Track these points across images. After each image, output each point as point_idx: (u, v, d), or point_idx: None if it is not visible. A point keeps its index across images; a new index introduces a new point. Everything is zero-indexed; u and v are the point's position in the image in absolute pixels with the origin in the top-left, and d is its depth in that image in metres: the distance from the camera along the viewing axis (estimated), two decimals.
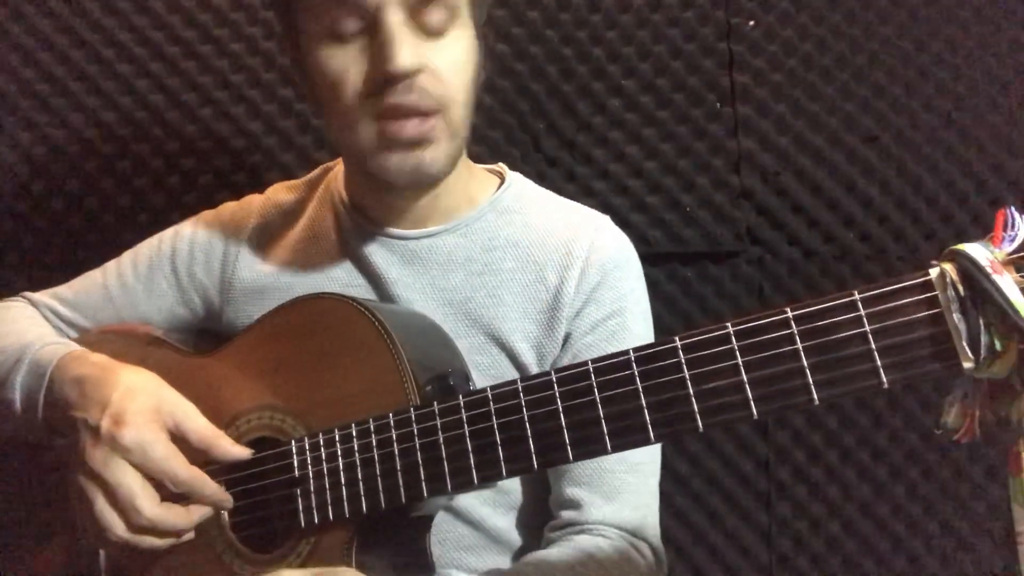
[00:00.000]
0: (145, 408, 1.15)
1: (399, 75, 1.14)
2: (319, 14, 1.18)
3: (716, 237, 1.86)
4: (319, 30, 1.19)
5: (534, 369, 1.35)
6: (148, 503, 1.12)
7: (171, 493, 1.15)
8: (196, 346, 1.36)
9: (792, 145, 1.85)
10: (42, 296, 1.50)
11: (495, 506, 1.36)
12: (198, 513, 1.16)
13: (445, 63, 1.20)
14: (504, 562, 1.38)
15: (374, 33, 1.16)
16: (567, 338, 1.35)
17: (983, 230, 1.76)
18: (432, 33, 1.18)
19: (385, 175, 1.23)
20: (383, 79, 1.16)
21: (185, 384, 1.21)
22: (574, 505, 1.32)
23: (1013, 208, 0.78)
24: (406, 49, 1.14)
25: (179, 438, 1.16)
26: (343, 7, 1.16)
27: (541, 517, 1.38)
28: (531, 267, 1.36)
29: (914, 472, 1.84)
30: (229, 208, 1.52)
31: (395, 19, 1.14)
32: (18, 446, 1.35)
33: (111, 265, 1.51)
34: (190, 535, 1.17)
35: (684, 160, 1.87)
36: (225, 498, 1.17)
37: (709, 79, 1.88)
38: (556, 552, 1.27)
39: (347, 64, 1.19)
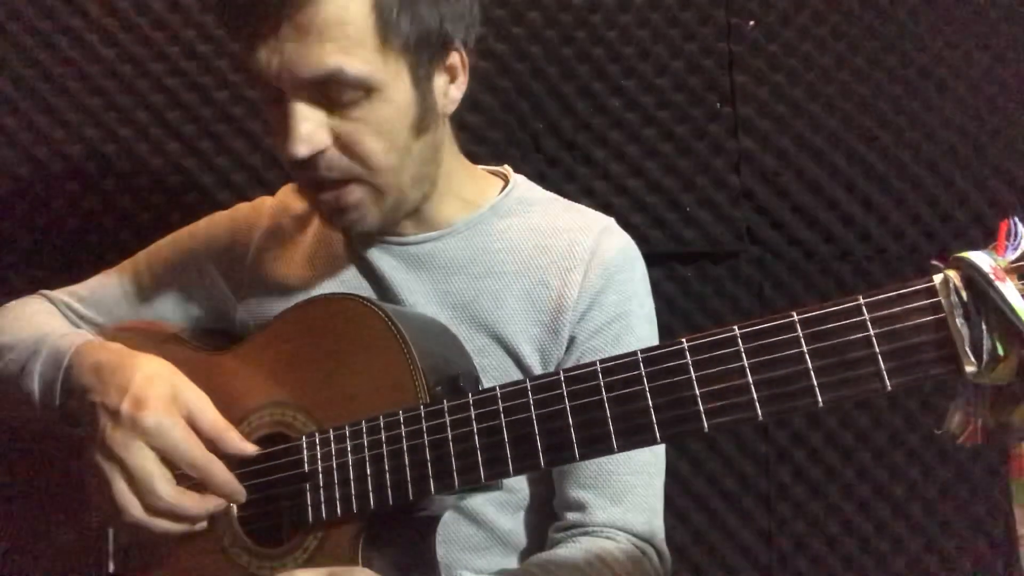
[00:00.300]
0: (164, 394, 1.16)
1: (296, 160, 1.17)
2: (254, 80, 1.21)
3: (716, 237, 1.87)
4: (259, 91, 1.23)
5: (538, 372, 1.35)
6: (166, 486, 1.14)
7: (187, 481, 1.16)
8: (212, 345, 1.37)
9: (792, 145, 1.86)
10: (59, 293, 1.51)
11: (501, 506, 1.36)
12: (212, 502, 1.17)
13: (360, 137, 1.20)
14: (510, 563, 1.38)
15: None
16: (571, 341, 1.35)
17: (982, 230, 1.78)
18: (345, 105, 1.18)
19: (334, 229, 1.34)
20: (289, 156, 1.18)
21: (200, 380, 1.22)
22: (579, 507, 1.32)
23: (1016, 219, 0.80)
24: (303, 133, 1.16)
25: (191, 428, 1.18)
26: (258, 80, 1.18)
27: (547, 518, 1.38)
28: (533, 270, 1.36)
29: (914, 472, 1.84)
30: (242, 210, 1.53)
31: (297, 101, 1.16)
32: (26, 436, 1.37)
33: (127, 264, 1.53)
34: (203, 524, 1.18)
35: (684, 160, 1.87)
36: (238, 489, 1.18)
37: (709, 79, 1.88)
38: (563, 553, 1.27)
39: (276, 126, 1.21)
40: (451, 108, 1.32)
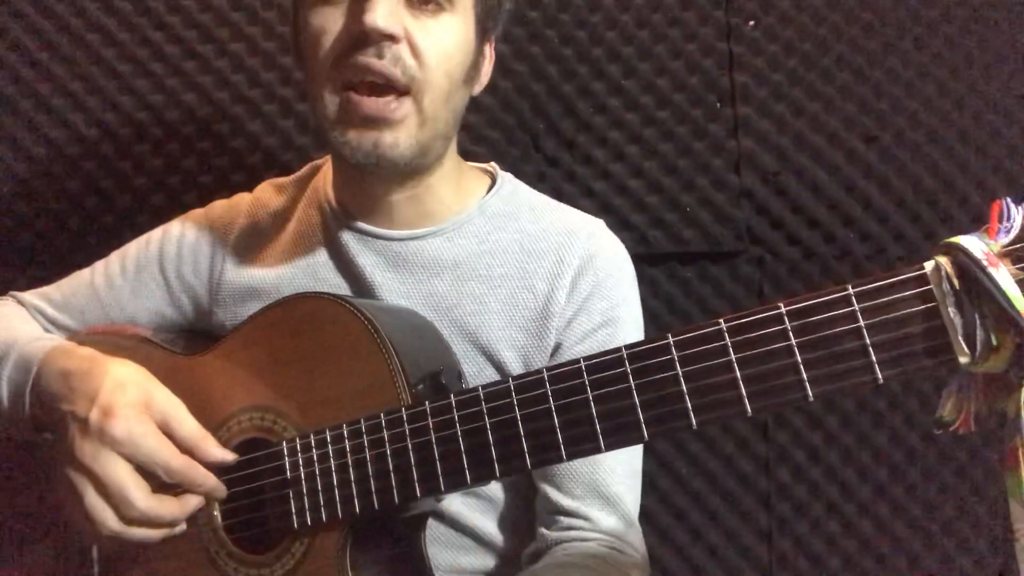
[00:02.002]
0: (134, 401, 1.14)
1: (371, 31, 1.13)
2: None
3: (716, 237, 1.86)
4: None
5: None
6: (140, 495, 1.12)
7: (161, 484, 1.14)
8: (186, 347, 1.35)
9: (792, 145, 1.85)
10: (30, 296, 1.49)
11: (484, 512, 1.36)
12: (191, 503, 1.16)
13: (429, 43, 1.18)
14: (489, 562, 1.38)
15: None
16: (557, 348, 1.34)
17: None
18: (423, 9, 1.18)
19: (342, 150, 1.22)
20: (356, 35, 1.15)
21: (175, 385, 1.21)
22: (575, 515, 1.30)
23: (1009, 199, 0.77)
24: (384, 8, 1.13)
25: (166, 435, 1.16)
26: None
27: (525, 519, 1.37)
28: (520, 274, 1.34)
29: (914, 472, 1.83)
30: (218, 207, 1.51)
31: None
32: (5, 444, 1.35)
33: (99, 265, 1.51)
34: (182, 527, 1.17)
35: (684, 160, 1.87)
36: (218, 486, 1.17)
37: (709, 79, 1.87)
38: (573, 559, 1.25)
39: (328, 23, 1.18)
40: (477, 90, 1.34)
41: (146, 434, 1.13)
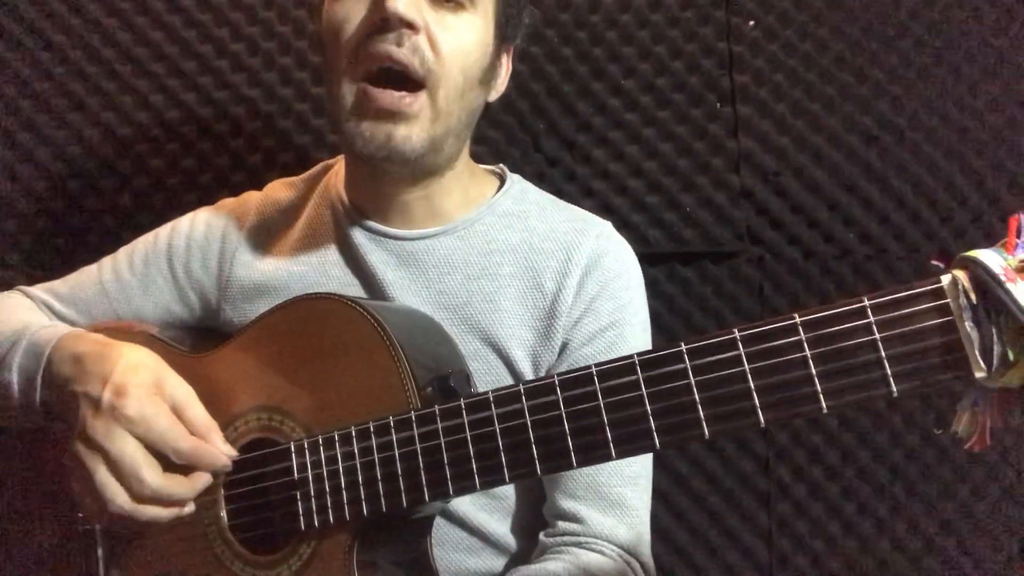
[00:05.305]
0: (147, 382, 1.15)
1: (391, 17, 1.15)
2: None
3: (716, 237, 1.86)
4: None
5: (529, 376, 1.33)
6: (152, 473, 1.12)
7: (169, 465, 1.14)
8: (194, 345, 1.35)
9: (792, 145, 1.85)
10: (37, 290, 1.49)
11: (491, 511, 1.36)
12: (200, 481, 1.16)
13: (448, 38, 1.20)
14: (497, 564, 1.38)
15: None
16: (564, 347, 1.34)
17: (983, 230, 1.76)
18: (444, 5, 1.20)
19: (355, 141, 1.23)
20: (376, 22, 1.16)
21: None
22: (572, 518, 1.31)
23: None
24: None
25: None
26: None
27: (536, 521, 1.37)
28: (529, 273, 1.35)
29: (914, 472, 1.83)
30: (227, 205, 1.51)
31: None
32: (14, 431, 1.35)
33: (107, 260, 1.51)
34: (191, 507, 1.17)
35: (684, 160, 1.87)
36: (226, 462, 1.17)
37: (709, 79, 1.87)
38: (553, 567, 1.25)
39: (351, 13, 1.20)
40: (493, 96, 1.36)
41: (158, 414, 1.13)
